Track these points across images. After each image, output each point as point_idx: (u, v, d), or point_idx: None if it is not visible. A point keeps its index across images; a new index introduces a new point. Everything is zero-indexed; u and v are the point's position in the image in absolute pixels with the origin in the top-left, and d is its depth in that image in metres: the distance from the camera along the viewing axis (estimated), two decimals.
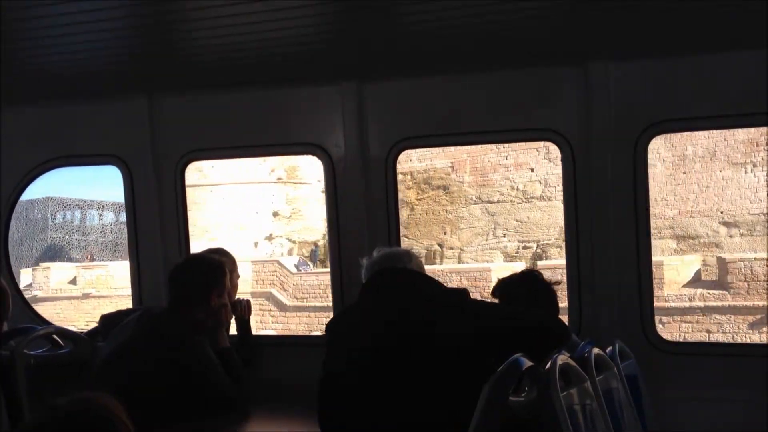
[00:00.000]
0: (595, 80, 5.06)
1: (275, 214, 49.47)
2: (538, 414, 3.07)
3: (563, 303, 4.66)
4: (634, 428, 3.90)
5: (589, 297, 5.16)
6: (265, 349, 5.44)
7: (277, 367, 5.41)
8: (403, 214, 43.05)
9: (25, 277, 49.34)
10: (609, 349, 4.24)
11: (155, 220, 5.85)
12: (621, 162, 5.06)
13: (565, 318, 4.44)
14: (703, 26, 4.54)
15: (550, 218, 37.63)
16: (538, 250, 38.10)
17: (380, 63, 5.28)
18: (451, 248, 40.66)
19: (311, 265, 44.32)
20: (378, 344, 3.67)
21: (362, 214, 5.48)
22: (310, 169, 48.60)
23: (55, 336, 5.07)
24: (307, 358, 4.65)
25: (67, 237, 62.14)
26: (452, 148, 37.68)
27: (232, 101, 5.70)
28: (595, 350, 3.82)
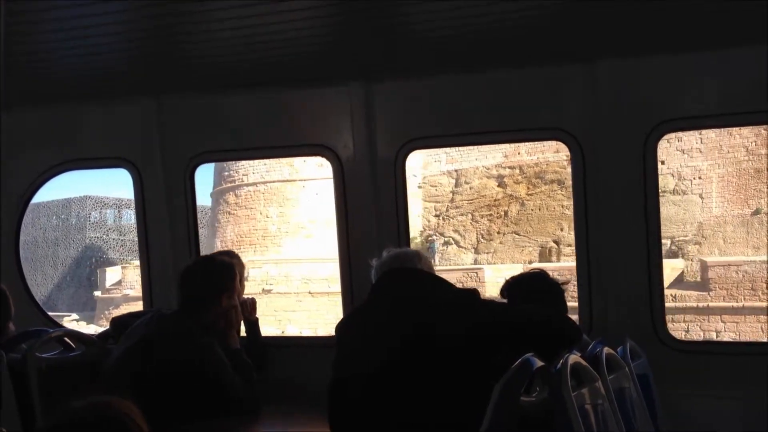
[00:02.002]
0: (603, 78, 5.05)
1: None
2: (550, 414, 3.07)
3: (574, 302, 4.65)
4: (646, 427, 3.89)
5: (600, 296, 5.15)
6: (273, 350, 5.44)
7: (286, 368, 5.42)
8: (512, 209, 42.14)
9: (111, 276, 49.49)
10: (620, 348, 4.23)
11: (165, 222, 5.86)
12: (630, 160, 5.05)
13: (575, 317, 4.43)
14: (711, 23, 4.53)
15: (686, 213, 36.04)
16: (673, 247, 36.25)
17: (388, 64, 5.28)
18: (569, 245, 38.95)
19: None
20: (387, 346, 3.67)
21: (371, 214, 5.49)
22: (408, 163, 47.95)
23: (66, 339, 5.09)
24: (316, 358, 4.66)
25: (104, 236, 62.26)
26: None
27: (240, 103, 5.71)
28: (606, 349, 3.81)
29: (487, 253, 43.24)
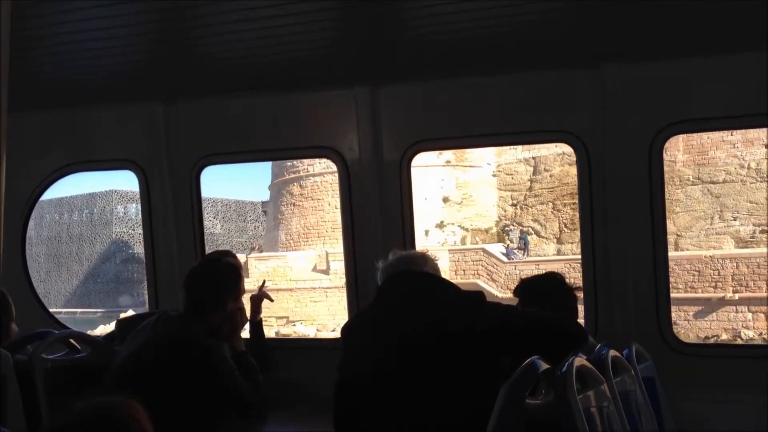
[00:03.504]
0: (609, 81, 5.05)
1: (445, 200, 46.65)
2: (556, 416, 3.06)
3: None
4: (652, 430, 3.88)
5: (605, 298, 5.14)
6: (279, 352, 5.44)
7: (292, 370, 5.42)
8: None
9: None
10: (625, 350, 4.22)
11: (171, 224, 5.88)
12: (636, 163, 5.04)
13: (581, 320, 4.43)
14: (717, 27, 4.53)
15: None
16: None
17: (394, 66, 5.28)
18: (669, 234, 37.89)
19: (522, 253, 41.71)
20: (393, 348, 3.67)
21: (377, 216, 5.49)
22: (479, 151, 45.85)
23: (72, 340, 5.10)
24: (322, 360, 4.66)
25: (131, 231, 62.07)
26: None
27: (246, 105, 5.72)
28: (612, 352, 3.81)
29: (572, 243, 41.93)
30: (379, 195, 5.49)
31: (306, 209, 48.49)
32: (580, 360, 3.28)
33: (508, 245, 43.08)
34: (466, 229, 46.88)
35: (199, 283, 4.58)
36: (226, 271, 4.70)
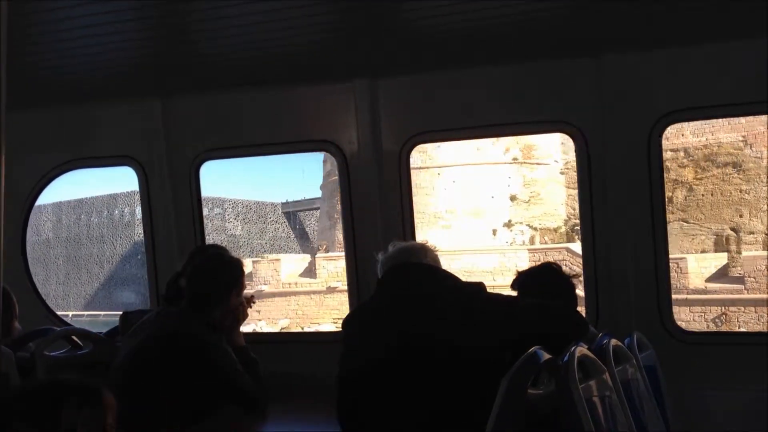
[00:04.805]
0: (608, 71, 5.05)
1: (512, 198, 45.17)
2: (558, 406, 3.07)
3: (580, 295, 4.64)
4: (654, 419, 3.89)
5: (606, 288, 5.15)
6: (278, 346, 5.45)
7: (293, 364, 5.43)
8: (678, 195, 39.02)
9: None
10: (627, 339, 4.23)
11: (171, 220, 5.88)
12: (635, 152, 5.04)
13: (582, 310, 4.43)
14: (715, 14, 4.52)
15: None
16: None
17: (392, 59, 5.28)
18: (752, 233, 36.38)
19: None
20: (394, 340, 3.67)
21: (376, 209, 5.50)
22: (546, 147, 44.54)
23: (74, 337, 5.11)
24: (323, 354, 4.66)
25: None
26: (742, 119, 33.72)
27: (245, 100, 5.72)
28: (614, 341, 3.81)
29: None
30: (379, 188, 5.50)
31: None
32: (581, 349, 3.28)
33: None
34: (535, 228, 45.57)
35: (205, 276, 4.57)
36: (231, 265, 4.69)
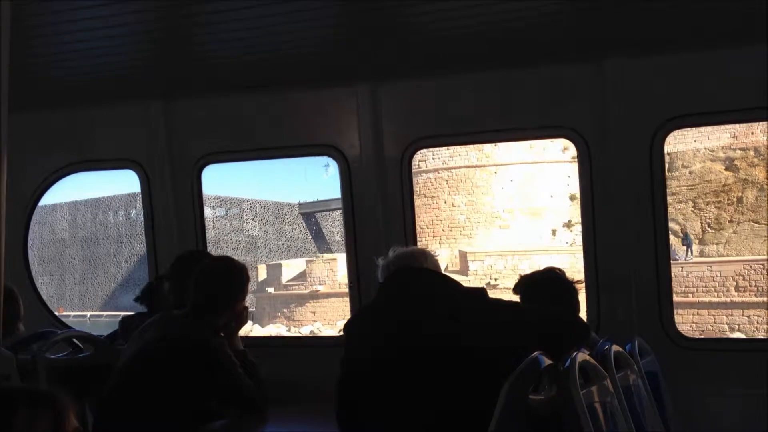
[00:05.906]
0: (610, 77, 5.05)
1: (572, 198, 43.46)
2: (559, 412, 3.07)
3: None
4: (655, 424, 3.88)
5: (608, 293, 5.14)
6: (278, 350, 5.45)
7: (294, 368, 5.43)
8: (748, 195, 38.40)
9: (287, 271, 46.27)
10: (628, 345, 4.22)
11: (172, 223, 5.88)
12: (637, 157, 5.05)
13: (583, 315, 4.43)
14: (716, 21, 4.52)
15: None
16: None
17: (394, 64, 5.29)
18: None
19: (685, 254, 38.71)
20: (395, 344, 3.67)
21: (378, 214, 5.50)
22: None
23: (75, 340, 5.10)
24: (324, 358, 4.66)
25: None
26: None
27: (247, 104, 5.73)
28: (615, 347, 3.81)
29: (717, 243, 39.90)
30: (381, 192, 5.50)
31: (418, 207, 45.31)
32: (582, 355, 3.28)
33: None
34: None
35: (213, 280, 4.56)
36: (237, 270, 4.69)
